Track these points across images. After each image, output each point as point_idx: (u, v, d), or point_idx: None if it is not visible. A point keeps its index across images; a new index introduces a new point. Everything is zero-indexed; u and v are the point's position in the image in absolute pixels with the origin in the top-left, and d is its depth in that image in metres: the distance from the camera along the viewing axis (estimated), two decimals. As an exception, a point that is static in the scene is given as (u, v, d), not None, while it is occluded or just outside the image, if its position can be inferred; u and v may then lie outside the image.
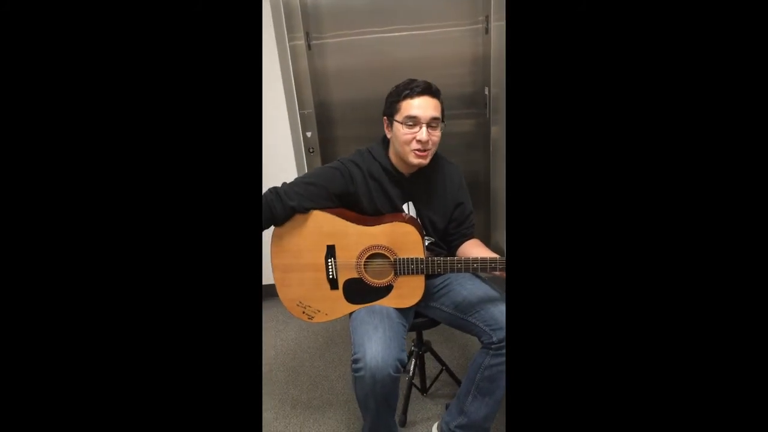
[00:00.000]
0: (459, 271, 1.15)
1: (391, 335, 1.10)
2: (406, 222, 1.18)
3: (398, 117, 1.15)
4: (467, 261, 1.13)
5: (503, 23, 1.98)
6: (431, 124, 1.13)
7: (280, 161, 2.09)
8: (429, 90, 1.13)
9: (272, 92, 1.98)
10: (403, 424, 1.47)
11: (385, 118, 1.20)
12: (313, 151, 2.22)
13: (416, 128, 1.13)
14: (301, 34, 2.05)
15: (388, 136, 1.21)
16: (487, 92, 2.16)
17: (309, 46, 2.10)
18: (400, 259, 1.18)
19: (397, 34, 2.11)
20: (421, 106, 1.12)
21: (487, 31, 2.07)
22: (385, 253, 1.19)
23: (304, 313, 1.27)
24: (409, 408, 1.52)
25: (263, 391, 1.70)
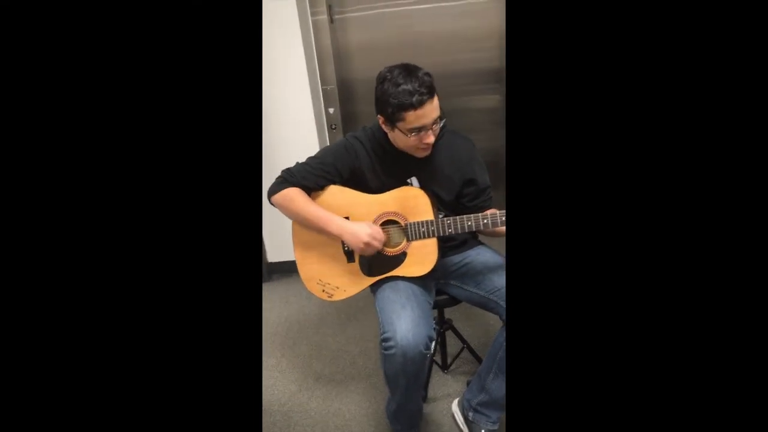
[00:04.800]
0: (470, 229, 1.12)
1: (419, 313, 1.10)
2: (415, 187, 1.18)
3: (402, 127, 1.07)
4: (477, 218, 1.10)
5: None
6: (435, 123, 1.08)
7: (302, 138, 2.09)
8: (430, 93, 1.04)
9: (294, 68, 1.97)
10: (424, 399, 1.49)
11: (381, 117, 1.11)
12: (335, 128, 2.21)
13: (422, 133, 1.08)
14: (324, 8, 2.01)
15: (385, 130, 1.15)
16: (514, 66, 2.10)
17: (331, 21, 2.07)
18: (410, 223, 1.17)
19: (421, 6, 2.05)
20: (426, 115, 1.04)
21: (515, 1, 1.99)
22: (397, 219, 1.19)
23: (323, 291, 1.28)
24: (430, 384, 1.53)
25: (288, 365, 1.74)
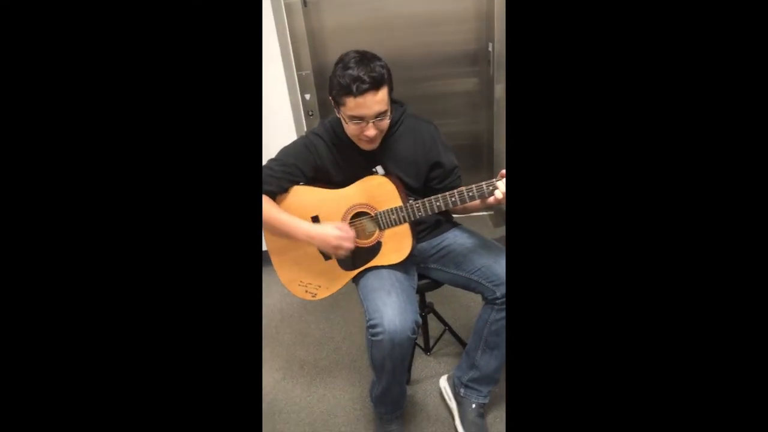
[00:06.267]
0: (440, 209, 1.11)
1: (405, 298, 1.11)
2: (379, 175, 1.17)
3: (343, 112, 1.07)
4: (445, 197, 1.09)
5: (507, -26, 1.89)
6: (377, 117, 1.06)
7: (279, 126, 2.05)
8: (374, 85, 1.01)
9: (268, 53, 1.92)
10: (408, 382, 1.51)
11: (331, 98, 1.10)
12: (312, 114, 2.18)
13: (362, 124, 1.07)
14: (297, -10, 1.97)
15: (338, 115, 1.13)
16: (490, 49, 2.09)
17: (305, 3, 2.03)
18: (380, 212, 1.16)
19: (396, -12, 2.03)
20: (366, 105, 1.03)
21: (490, -17, 1.98)
22: (366, 210, 1.18)
23: (307, 291, 1.29)
24: (413, 367, 1.55)
25: (271, 353, 1.74)
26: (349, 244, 1.14)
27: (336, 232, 1.13)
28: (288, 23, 2.00)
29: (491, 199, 1.07)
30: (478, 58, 2.18)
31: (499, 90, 2.13)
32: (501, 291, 1.16)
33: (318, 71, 2.14)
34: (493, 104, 2.20)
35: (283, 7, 1.96)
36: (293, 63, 2.05)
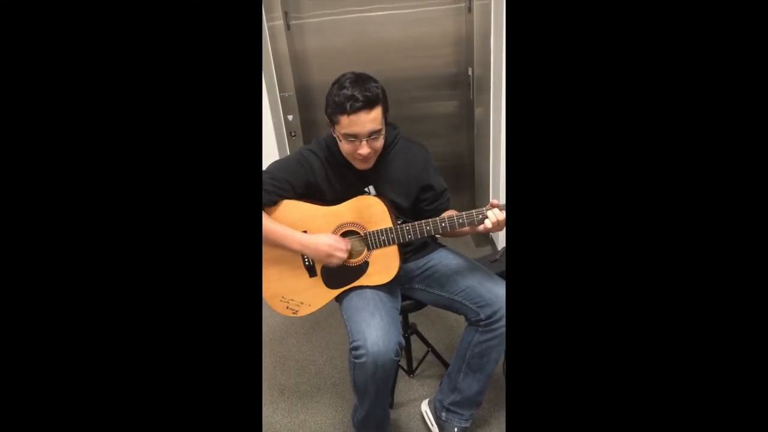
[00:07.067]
0: (429, 233, 1.13)
1: (388, 320, 1.10)
2: (371, 195, 1.18)
3: (338, 130, 1.09)
4: (435, 222, 1.11)
5: (486, 2, 1.95)
6: (371, 136, 1.08)
7: (263, 146, 2.05)
8: (368, 104, 1.04)
9: (251, 75, 1.93)
10: (391, 405, 1.48)
11: (327, 117, 1.12)
12: (294, 135, 2.18)
13: (356, 142, 1.09)
14: (280, 14, 1.99)
15: (333, 134, 1.15)
16: (470, 72, 2.14)
17: (288, 27, 2.05)
18: (370, 232, 1.17)
19: (378, 13, 2.07)
20: (359, 123, 1.05)
21: (470, 10, 2.04)
22: (356, 230, 1.18)
23: (288, 308, 1.26)
24: (396, 389, 1.53)
25: (250, 378, 1.70)
26: (341, 254, 1.15)
27: (329, 241, 1.14)
28: (271, 45, 2.02)
29: (481, 227, 1.09)
30: (458, 82, 2.23)
31: (479, 113, 2.17)
32: (484, 312, 1.16)
33: (301, 93, 2.15)
34: (473, 126, 2.24)
35: (266, 29, 1.98)
36: (276, 84, 2.06)
